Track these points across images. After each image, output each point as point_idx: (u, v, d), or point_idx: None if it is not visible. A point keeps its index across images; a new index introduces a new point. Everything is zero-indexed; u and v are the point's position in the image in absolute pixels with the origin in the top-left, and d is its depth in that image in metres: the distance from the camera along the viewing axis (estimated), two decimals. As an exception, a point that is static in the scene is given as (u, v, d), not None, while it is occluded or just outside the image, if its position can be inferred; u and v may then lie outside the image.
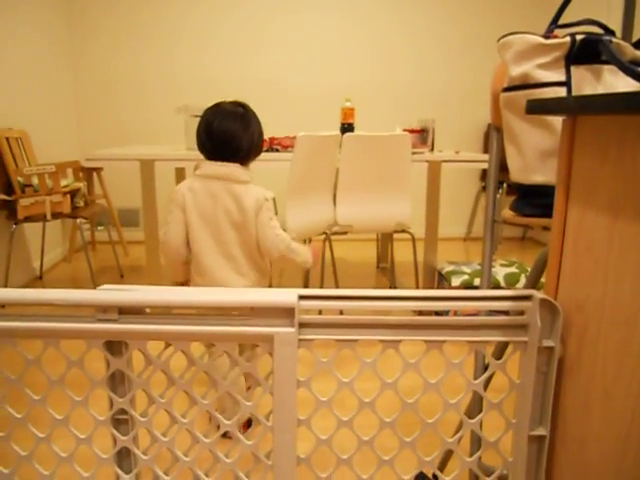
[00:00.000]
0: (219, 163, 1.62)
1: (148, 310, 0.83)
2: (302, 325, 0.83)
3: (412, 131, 3.15)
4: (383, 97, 4.31)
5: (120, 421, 0.90)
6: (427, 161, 2.87)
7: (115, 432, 0.89)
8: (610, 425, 0.72)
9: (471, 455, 0.91)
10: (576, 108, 0.74)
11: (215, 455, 0.89)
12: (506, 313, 0.84)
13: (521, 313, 0.84)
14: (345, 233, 2.83)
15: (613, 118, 0.70)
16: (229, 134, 1.64)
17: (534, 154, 1.14)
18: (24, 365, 0.87)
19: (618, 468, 0.70)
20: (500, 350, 1.15)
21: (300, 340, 0.83)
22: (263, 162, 2.79)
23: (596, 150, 0.74)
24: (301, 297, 0.82)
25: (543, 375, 0.84)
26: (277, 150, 2.87)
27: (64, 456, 0.91)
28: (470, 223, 4.50)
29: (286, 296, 0.81)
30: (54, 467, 0.91)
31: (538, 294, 0.82)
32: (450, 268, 2.83)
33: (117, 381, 0.88)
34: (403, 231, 2.85)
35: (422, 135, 3.31)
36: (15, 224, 3.14)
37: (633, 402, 0.67)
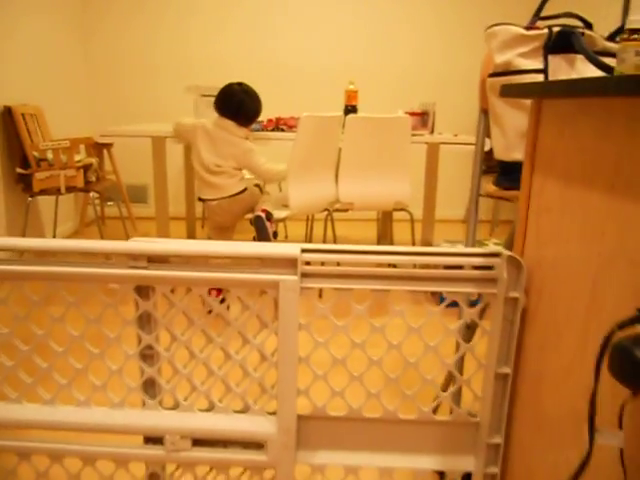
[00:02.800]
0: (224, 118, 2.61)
1: (173, 259, 0.97)
2: (304, 275, 0.98)
3: (413, 114, 3.26)
4: (386, 81, 4.41)
5: (146, 356, 1.05)
6: (426, 143, 2.99)
7: (142, 364, 1.04)
8: (559, 361, 0.86)
9: (445, 390, 1.06)
10: (539, 92, 0.87)
11: (226, 353, 1.04)
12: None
13: (491, 269, 0.98)
14: (346, 210, 2.96)
15: (569, 101, 0.84)
16: (239, 102, 2.63)
17: (515, 134, 1.28)
18: (66, 306, 1.02)
19: (563, 395, 0.85)
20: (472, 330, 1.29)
21: (302, 288, 0.98)
22: (269, 140, 2.93)
23: (556, 128, 0.88)
24: (303, 250, 0.96)
25: (509, 323, 0.99)
26: (282, 130, 2.99)
27: (98, 384, 1.06)
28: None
29: (290, 249, 0.95)
30: (89, 393, 1.06)
31: (506, 252, 0.96)
32: (446, 246, 2.97)
33: (144, 321, 1.03)
34: (402, 210, 2.98)
35: (423, 118, 3.43)
36: (31, 197, 3.28)
37: (576, 340, 0.81)
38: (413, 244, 3.02)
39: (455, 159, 4.35)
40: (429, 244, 3.07)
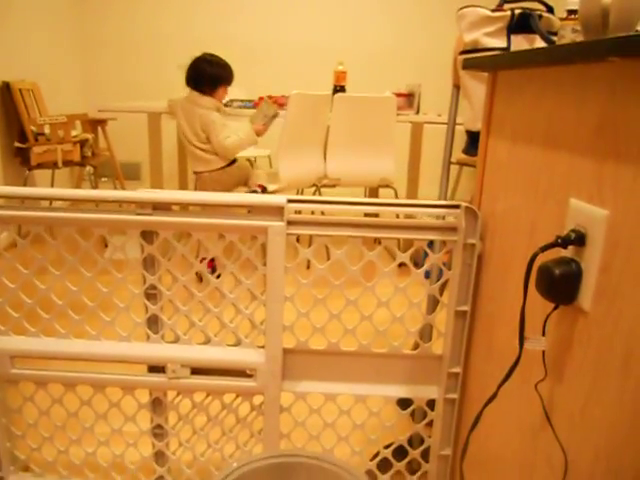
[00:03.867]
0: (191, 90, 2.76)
1: (175, 208, 1.11)
2: (290, 223, 1.12)
3: (399, 95, 3.39)
4: (374, 62, 4.53)
5: (150, 295, 1.19)
6: (411, 122, 3.13)
7: (147, 302, 1.19)
8: (505, 299, 1.01)
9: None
10: (492, 64, 1.01)
11: (221, 292, 1.19)
12: (442, 219, 1.13)
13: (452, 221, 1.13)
14: (334, 186, 3.10)
15: (516, 72, 0.98)
16: (198, 69, 2.75)
17: (481, 106, 1.42)
18: (80, 249, 1.16)
19: (508, 325, 1.00)
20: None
21: (288, 234, 1.12)
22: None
23: (506, 96, 1.02)
24: (289, 201, 1.10)
25: (467, 266, 1.14)
26: (273, 107, 3.11)
27: (108, 320, 1.20)
28: (453, 190, 4.78)
29: (277, 199, 1.10)
30: (100, 329, 1.20)
31: (464, 203, 1.10)
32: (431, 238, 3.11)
33: (149, 264, 1.17)
34: (387, 186, 3.13)
35: (409, 99, 3.56)
36: (28, 170, 3.38)
37: (519, 275, 0.96)
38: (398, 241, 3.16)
39: (439, 139, 4.48)
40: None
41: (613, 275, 0.70)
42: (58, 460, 1.32)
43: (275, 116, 2.78)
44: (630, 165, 0.66)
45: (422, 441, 1.28)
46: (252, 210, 1.10)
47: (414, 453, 1.29)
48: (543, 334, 0.82)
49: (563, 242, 0.76)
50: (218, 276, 1.17)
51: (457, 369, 1.19)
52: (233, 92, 3.41)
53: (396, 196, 3.11)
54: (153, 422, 1.28)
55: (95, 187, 4.58)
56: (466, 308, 1.15)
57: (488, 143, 1.10)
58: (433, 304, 1.24)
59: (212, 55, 2.79)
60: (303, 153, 2.93)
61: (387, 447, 1.30)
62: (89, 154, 3.68)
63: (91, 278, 1.17)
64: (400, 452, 1.31)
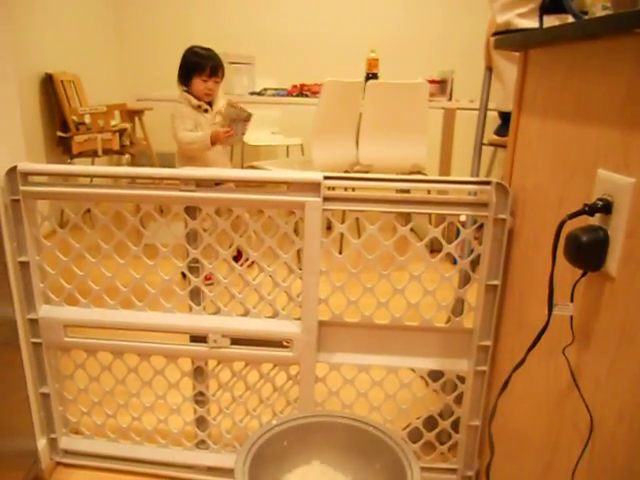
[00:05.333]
0: None
1: (217, 184, 1.17)
2: (326, 199, 1.17)
3: (432, 82, 3.39)
4: (406, 49, 4.53)
5: (193, 268, 1.26)
6: (443, 108, 3.14)
7: (190, 275, 1.25)
8: (535, 273, 1.04)
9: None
10: (524, 43, 1.04)
11: (260, 266, 1.24)
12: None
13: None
14: (366, 172, 3.14)
15: (546, 50, 1.00)
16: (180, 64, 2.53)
17: (513, 86, 1.44)
18: (128, 223, 1.23)
19: (538, 297, 1.03)
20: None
21: (324, 210, 1.17)
22: (293, 106, 3.10)
23: (537, 75, 1.05)
24: (325, 177, 1.15)
25: (498, 241, 1.17)
26: (306, 95, 3.16)
27: (153, 292, 1.27)
28: (488, 171, 4.76)
29: (314, 175, 1.14)
30: (147, 301, 1.27)
31: (495, 180, 1.13)
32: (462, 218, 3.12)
33: (191, 238, 1.24)
34: (419, 172, 3.14)
35: (441, 86, 3.56)
36: (70, 158, 3.51)
37: (548, 248, 0.99)
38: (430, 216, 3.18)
39: (471, 126, 4.46)
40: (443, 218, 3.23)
41: (639, 241, 0.73)
42: (106, 424, 1.40)
43: (246, 119, 2.47)
44: (656, 132, 0.69)
45: (452, 412, 1.32)
46: (290, 186, 1.15)
47: (444, 424, 1.33)
48: (571, 300, 0.85)
49: (590, 210, 0.79)
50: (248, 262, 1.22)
51: (487, 342, 1.22)
52: (265, 81, 3.47)
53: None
54: (195, 389, 1.35)
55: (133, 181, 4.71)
56: (497, 282, 1.18)
57: (519, 121, 1.12)
58: (464, 279, 1.28)
59: (199, 46, 2.55)
60: (335, 140, 2.97)
61: (418, 418, 1.35)
62: (127, 143, 3.79)
63: (138, 251, 1.24)
64: (430, 423, 1.35)
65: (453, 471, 1.35)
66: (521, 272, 1.12)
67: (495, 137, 1.60)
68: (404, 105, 2.99)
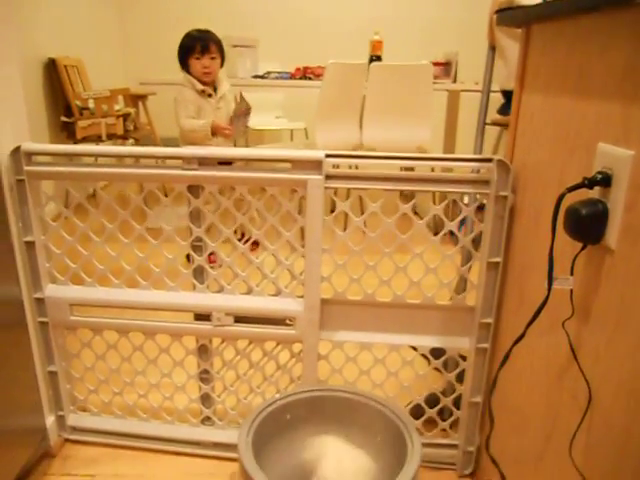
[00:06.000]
0: None
1: (218, 163, 1.18)
2: (328, 177, 1.17)
3: (436, 64, 3.37)
4: (410, 32, 4.50)
5: (196, 247, 1.27)
6: (447, 90, 3.12)
7: (193, 254, 1.26)
8: (536, 250, 1.04)
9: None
10: (526, 19, 1.03)
11: (263, 245, 1.25)
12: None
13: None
14: (369, 155, 3.13)
15: (548, 25, 1.00)
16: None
17: (515, 64, 1.43)
18: (131, 203, 1.24)
19: (539, 275, 1.03)
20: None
21: (326, 188, 1.17)
22: (297, 89, 3.09)
23: (539, 50, 1.04)
24: (327, 155, 1.15)
25: (500, 218, 1.17)
26: (310, 78, 3.15)
27: (157, 271, 1.28)
28: (494, 152, 4.73)
29: (316, 154, 1.15)
30: (151, 280, 1.29)
31: (496, 157, 1.13)
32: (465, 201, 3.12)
33: (195, 217, 1.24)
34: (422, 155, 3.13)
35: (446, 68, 3.54)
36: (74, 143, 3.51)
37: (549, 225, 0.99)
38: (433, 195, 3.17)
39: (476, 108, 4.44)
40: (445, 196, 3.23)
41: (638, 214, 0.73)
42: (113, 401, 1.42)
43: (246, 113, 2.47)
44: (655, 103, 0.69)
45: (454, 390, 1.34)
46: (293, 164, 1.16)
47: (446, 401, 1.34)
48: (571, 274, 0.86)
49: (590, 183, 0.80)
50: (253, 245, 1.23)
51: (489, 319, 1.23)
52: (269, 64, 3.45)
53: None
54: (200, 367, 1.36)
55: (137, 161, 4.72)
56: (498, 259, 1.19)
57: (522, 97, 1.12)
58: (466, 257, 1.28)
59: (195, 29, 2.52)
60: (339, 122, 2.97)
61: (420, 396, 1.36)
62: (131, 128, 3.79)
63: (141, 230, 1.25)
64: (432, 400, 1.36)
65: (454, 447, 1.36)
66: (522, 249, 1.13)
67: (498, 116, 1.59)
68: (408, 87, 2.98)
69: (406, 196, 3.33)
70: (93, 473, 1.35)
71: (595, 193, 0.81)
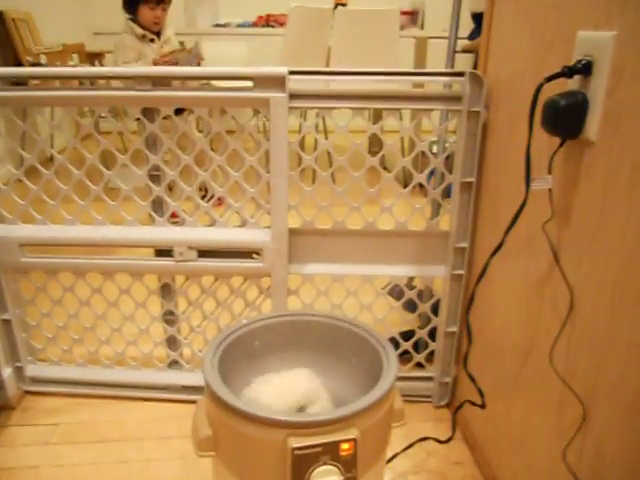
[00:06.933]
0: None
1: (175, 83, 1.09)
2: (292, 96, 1.10)
3: (403, 13, 3.29)
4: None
5: (154, 177, 1.19)
6: (414, 37, 3.05)
7: (151, 184, 1.19)
8: (511, 168, 1.00)
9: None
10: None
11: (225, 171, 1.19)
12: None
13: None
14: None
15: None
16: None
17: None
18: (83, 130, 1.15)
19: (514, 195, 0.99)
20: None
21: (290, 108, 1.10)
22: (260, 37, 2.98)
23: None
24: (290, 72, 1.08)
25: (472, 137, 1.12)
26: (272, 26, 3.04)
27: (113, 204, 1.20)
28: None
29: (279, 70, 1.07)
30: (105, 214, 1.21)
31: (469, 70, 1.08)
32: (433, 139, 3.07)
33: (151, 143, 1.16)
34: (391, 106, 3.06)
35: (412, 17, 3.45)
36: (28, 102, 3.32)
37: (523, 141, 0.94)
38: (402, 142, 3.12)
39: (444, 57, 4.38)
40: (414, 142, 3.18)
41: (618, 99, 0.69)
42: (73, 349, 1.35)
43: (190, 63, 2.30)
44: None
45: (429, 321, 1.30)
46: (254, 81, 1.08)
47: (421, 332, 1.31)
48: (549, 172, 0.81)
49: (570, 71, 0.75)
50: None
51: (464, 244, 1.19)
52: (230, 13, 3.32)
53: (400, 116, 3.06)
54: (163, 308, 1.30)
55: (96, 124, 4.54)
56: (471, 179, 1.14)
57: (494, 5, 1.06)
58: (439, 179, 1.23)
59: None
60: (305, 71, 2.87)
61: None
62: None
63: (94, 159, 1.17)
64: (408, 333, 1.33)
65: (430, 379, 1.34)
66: (496, 167, 1.08)
67: (468, 42, 1.54)
68: (374, 34, 2.89)
69: (375, 145, 3.28)
70: (56, 422, 1.28)
71: (575, 84, 0.77)
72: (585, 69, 0.74)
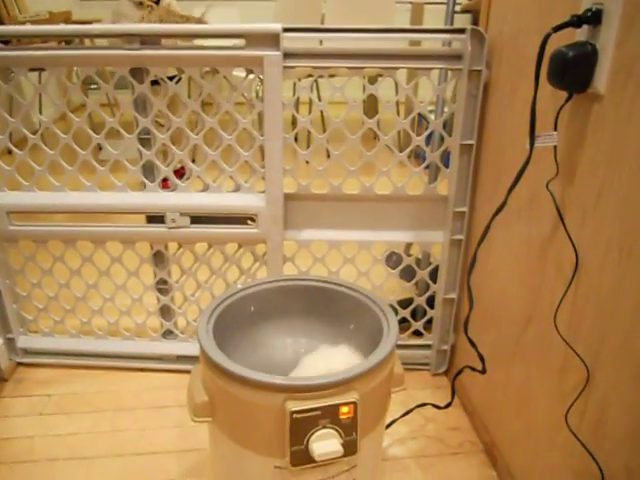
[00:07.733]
0: None
1: (164, 42, 1.05)
2: (287, 55, 1.06)
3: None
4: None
5: (144, 140, 1.15)
6: (410, 2, 2.98)
7: (141, 148, 1.15)
8: (513, 130, 0.97)
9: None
10: None
11: (218, 134, 1.15)
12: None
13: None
14: (332, 76, 2.98)
15: None
16: None
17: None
18: (70, 90, 1.11)
19: (517, 156, 0.96)
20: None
21: (285, 67, 1.06)
22: (251, 1, 2.89)
23: None
24: (285, 29, 1.04)
25: (473, 98, 1.09)
26: (265, -8, 2.96)
27: (102, 169, 1.17)
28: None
29: (273, 27, 1.03)
30: (95, 179, 1.17)
31: (470, 27, 1.04)
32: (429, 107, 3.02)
33: (140, 105, 1.12)
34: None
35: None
36: (12, 72, 3.24)
37: (526, 103, 0.91)
38: (397, 107, 3.07)
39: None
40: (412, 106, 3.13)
41: (629, 50, 0.66)
42: (65, 320, 1.32)
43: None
44: None
45: (427, 288, 1.28)
46: (247, 40, 1.04)
47: (419, 300, 1.29)
48: (555, 129, 0.78)
49: (578, 20, 0.71)
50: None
51: (463, 208, 1.17)
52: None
53: (396, 86, 3.00)
54: (156, 276, 1.27)
55: (85, 94, 4.45)
56: (472, 142, 1.11)
57: (496, -43, 1.02)
58: (438, 142, 1.20)
59: None
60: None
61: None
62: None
63: (82, 122, 1.13)
64: (406, 301, 1.31)
65: (428, 347, 1.32)
66: (497, 129, 1.05)
67: (468, 1, 1.49)
68: (369, 1, 2.82)
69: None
70: (50, 393, 1.26)
71: (583, 35, 0.73)
72: (594, 18, 0.70)
